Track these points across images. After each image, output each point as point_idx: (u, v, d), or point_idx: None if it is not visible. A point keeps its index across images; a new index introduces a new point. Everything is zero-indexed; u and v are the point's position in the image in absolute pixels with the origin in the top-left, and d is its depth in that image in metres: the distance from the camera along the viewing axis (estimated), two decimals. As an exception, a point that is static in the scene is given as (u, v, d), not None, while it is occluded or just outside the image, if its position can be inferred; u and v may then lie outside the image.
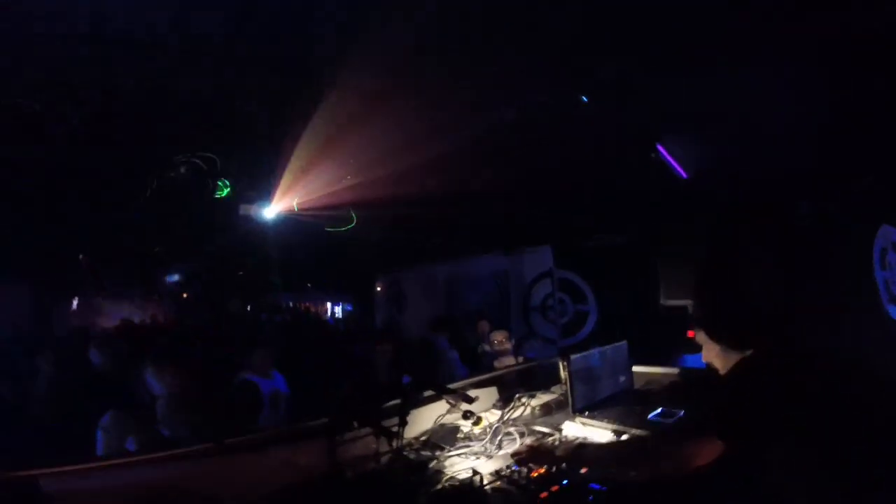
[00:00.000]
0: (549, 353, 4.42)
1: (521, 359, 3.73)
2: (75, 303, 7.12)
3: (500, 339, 3.79)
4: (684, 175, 3.47)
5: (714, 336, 1.24)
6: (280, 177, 3.27)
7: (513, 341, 3.93)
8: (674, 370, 2.50)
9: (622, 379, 2.31)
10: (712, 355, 1.27)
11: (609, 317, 5.28)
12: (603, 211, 4.59)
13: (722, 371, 1.25)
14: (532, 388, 2.42)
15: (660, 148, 3.13)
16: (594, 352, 2.19)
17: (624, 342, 2.39)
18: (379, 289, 9.00)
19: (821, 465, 1.01)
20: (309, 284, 9.71)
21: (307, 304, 10.49)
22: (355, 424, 1.71)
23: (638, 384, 2.44)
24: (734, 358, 1.20)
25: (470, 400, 1.92)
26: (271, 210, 3.63)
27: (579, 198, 4.48)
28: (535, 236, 5.83)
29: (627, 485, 1.29)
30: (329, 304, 10.96)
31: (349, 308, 10.65)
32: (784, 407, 1.04)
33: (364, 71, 2.65)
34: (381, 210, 4.99)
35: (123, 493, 1.28)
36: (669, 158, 3.26)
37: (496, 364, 3.60)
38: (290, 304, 9.89)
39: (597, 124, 3.37)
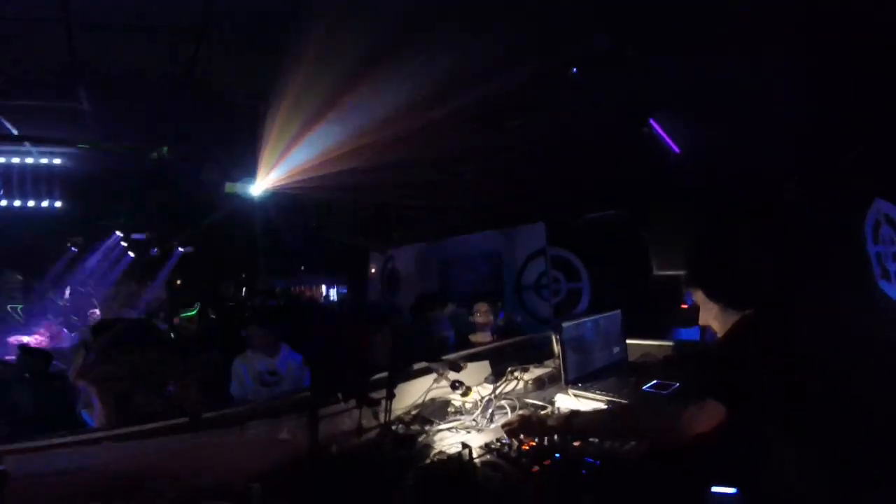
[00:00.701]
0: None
1: (494, 336, 3.68)
2: (68, 292, 6.97)
3: (482, 310, 3.73)
4: (676, 149, 3.39)
5: (711, 293, 1.18)
6: (264, 153, 3.14)
7: (500, 318, 3.88)
8: (668, 343, 2.46)
9: (616, 350, 2.26)
10: (710, 316, 1.21)
11: (602, 294, 5.24)
12: (594, 185, 4.51)
13: (720, 333, 1.19)
14: (525, 362, 2.37)
15: (652, 122, 3.04)
16: (587, 321, 2.13)
17: (618, 311, 2.33)
18: (373, 270, 8.92)
19: (820, 426, 0.96)
20: (302, 267, 9.59)
21: (301, 287, 10.39)
22: (340, 397, 1.64)
23: (633, 357, 2.40)
24: (732, 319, 1.14)
25: (458, 368, 1.86)
26: (257, 187, 3.50)
27: (570, 173, 4.39)
28: (527, 213, 5.74)
29: (622, 458, 1.23)
30: (324, 287, 10.85)
31: (343, 290, 10.56)
32: (785, 366, 0.98)
33: (349, 40, 2.53)
34: (370, 189, 4.89)
35: (101, 469, 1.20)
36: (662, 133, 3.17)
37: (471, 338, 3.56)
38: (286, 288, 9.78)
39: (588, 98, 3.27)
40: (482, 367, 2.37)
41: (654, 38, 2.65)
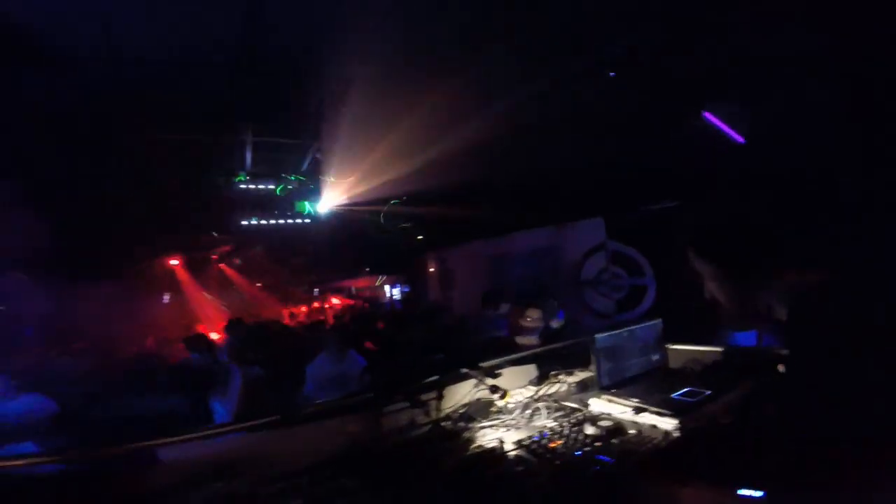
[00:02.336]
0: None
1: (541, 339, 3.83)
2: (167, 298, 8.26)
3: (534, 316, 3.90)
4: (741, 140, 3.38)
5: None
6: (330, 176, 3.67)
7: (552, 321, 4.02)
8: (717, 349, 2.55)
9: (655, 357, 2.42)
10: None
11: (668, 290, 5.21)
12: (654, 179, 4.52)
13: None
14: (571, 365, 2.60)
15: (708, 115, 3.08)
16: (622, 331, 2.32)
17: (658, 321, 2.49)
18: (431, 269, 9.39)
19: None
20: (367, 269, 10.29)
21: (364, 290, 11.14)
22: (397, 398, 2.00)
23: (676, 363, 2.53)
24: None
25: (494, 375, 2.15)
26: (323, 205, 4.09)
27: (629, 167, 4.44)
28: (583, 208, 5.81)
29: (635, 457, 1.47)
30: (387, 287, 11.55)
31: (406, 289, 11.18)
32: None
33: (397, 63, 2.86)
34: (424, 191, 5.24)
35: (203, 460, 1.66)
36: (721, 124, 3.19)
37: (517, 340, 3.76)
38: (352, 290, 10.60)
39: (643, 90, 3.35)
40: (527, 370, 2.63)
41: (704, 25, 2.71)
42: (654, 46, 2.90)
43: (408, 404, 2.01)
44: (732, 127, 3.24)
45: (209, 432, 1.75)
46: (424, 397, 1.99)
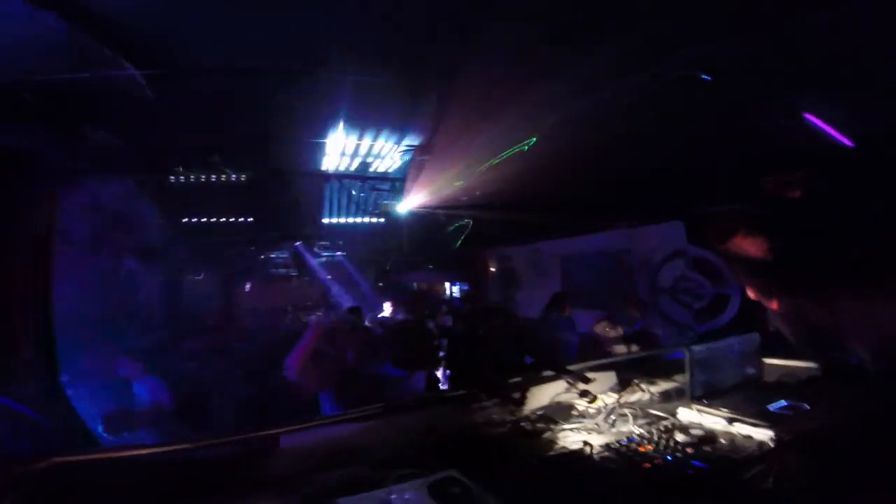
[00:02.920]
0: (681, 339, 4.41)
1: (633, 346, 3.83)
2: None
3: (604, 327, 3.91)
4: (848, 143, 3.20)
5: None
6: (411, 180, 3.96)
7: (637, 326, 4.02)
8: (814, 364, 2.48)
9: (750, 371, 2.40)
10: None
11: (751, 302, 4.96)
12: (741, 183, 4.34)
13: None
14: (653, 374, 2.63)
15: (809, 116, 2.96)
16: (719, 343, 2.33)
17: (755, 334, 2.47)
18: (493, 268, 9.51)
19: None
20: (430, 266, 10.60)
21: (427, 283, 11.46)
22: (483, 396, 2.15)
23: (772, 377, 2.48)
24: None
25: (587, 380, 2.24)
26: (404, 205, 4.44)
27: (713, 168, 4.31)
28: (662, 211, 5.67)
29: (729, 463, 1.52)
30: (447, 284, 11.80)
31: (465, 287, 11.37)
32: None
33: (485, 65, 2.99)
34: (494, 191, 5.35)
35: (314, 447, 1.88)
36: (825, 126, 3.05)
37: (598, 347, 3.77)
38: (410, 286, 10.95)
39: (732, 89, 3.27)
40: (608, 377, 2.69)
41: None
42: (741, 49, 2.84)
43: (492, 402, 2.15)
44: (838, 129, 3.08)
45: (319, 422, 1.99)
46: (509, 395, 2.12)
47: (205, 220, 5.50)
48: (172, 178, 4.23)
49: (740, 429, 1.81)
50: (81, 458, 1.59)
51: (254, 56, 2.74)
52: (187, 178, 4.21)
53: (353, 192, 4.74)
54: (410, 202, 4.39)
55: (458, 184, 4.11)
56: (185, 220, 5.40)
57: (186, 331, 5.56)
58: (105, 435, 3.08)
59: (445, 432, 2.04)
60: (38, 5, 2.29)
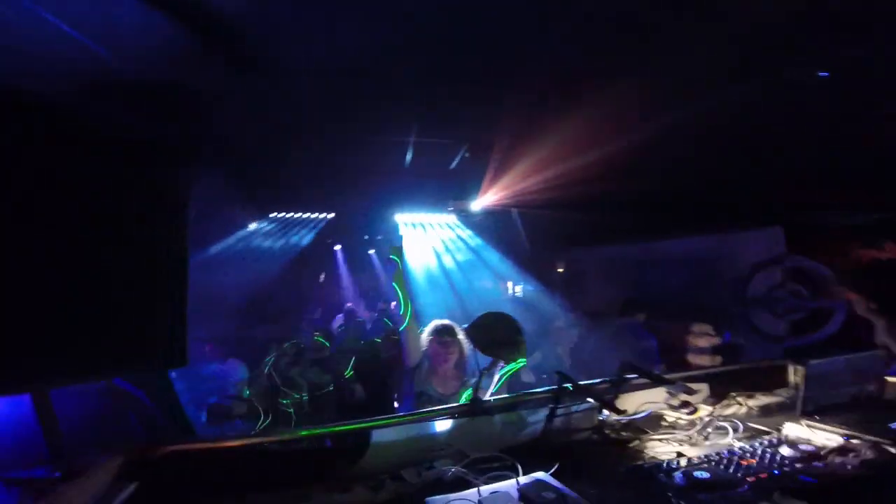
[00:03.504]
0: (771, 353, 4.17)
1: (718, 359, 3.66)
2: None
3: (702, 331, 3.76)
4: None
5: None
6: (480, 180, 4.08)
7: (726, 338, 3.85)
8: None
9: (869, 388, 2.27)
10: None
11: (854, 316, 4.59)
12: (847, 184, 4.04)
13: None
14: (751, 388, 2.53)
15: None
16: (838, 359, 2.23)
17: (877, 351, 2.35)
18: (560, 270, 9.37)
19: None
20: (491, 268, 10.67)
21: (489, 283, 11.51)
22: (567, 401, 2.17)
23: (893, 395, 2.33)
24: None
25: (691, 391, 2.21)
26: (476, 204, 4.53)
27: (816, 168, 4.03)
28: (757, 215, 5.36)
29: (841, 479, 1.46)
30: (510, 285, 11.77)
31: (530, 289, 11.28)
32: None
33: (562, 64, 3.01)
34: (567, 189, 5.31)
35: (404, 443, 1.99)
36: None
37: (689, 359, 3.65)
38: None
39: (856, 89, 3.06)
40: (700, 389, 2.61)
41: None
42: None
43: (578, 407, 2.17)
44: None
45: (416, 416, 2.12)
46: (593, 403, 2.13)
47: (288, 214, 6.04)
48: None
49: (857, 446, 1.73)
50: (195, 446, 1.79)
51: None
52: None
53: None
54: (482, 201, 4.47)
55: (531, 181, 4.15)
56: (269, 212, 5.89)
57: (262, 318, 6.02)
58: (207, 424, 3.43)
59: (533, 434, 2.10)
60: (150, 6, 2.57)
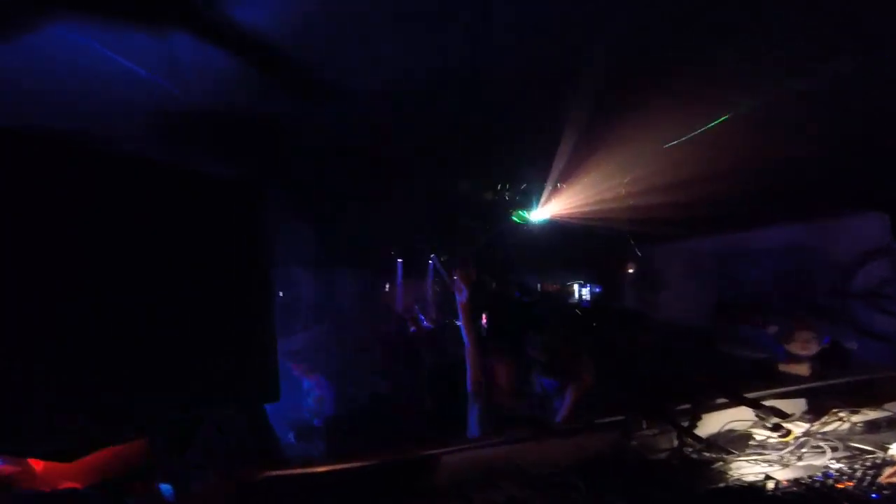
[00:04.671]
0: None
1: (818, 369, 3.51)
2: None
3: (804, 339, 3.62)
4: None
5: None
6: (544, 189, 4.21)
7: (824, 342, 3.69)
8: None
9: None
10: None
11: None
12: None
13: None
14: (856, 401, 2.47)
15: None
16: None
17: None
18: (629, 269, 9.18)
19: None
20: (558, 266, 10.60)
21: (552, 284, 11.43)
22: (644, 424, 2.22)
23: None
24: None
25: (784, 416, 2.20)
26: (537, 214, 4.70)
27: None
28: (858, 200, 5.05)
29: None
30: (576, 286, 11.64)
31: (597, 289, 11.12)
32: None
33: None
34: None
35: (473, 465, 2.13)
36: None
37: (782, 368, 3.53)
38: (532, 287, 11.03)
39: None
40: (795, 404, 2.56)
41: None
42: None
43: (655, 428, 2.23)
44: None
45: (477, 442, 2.26)
46: (673, 422, 2.18)
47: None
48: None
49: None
50: (292, 472, 1.93)
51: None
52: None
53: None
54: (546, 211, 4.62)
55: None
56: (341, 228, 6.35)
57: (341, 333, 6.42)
58: (295, 443, 3.76)
59: (605, 456, 2.18)
60: (207, 41, 2.88)
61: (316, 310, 6.60)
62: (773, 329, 4.14)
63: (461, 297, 2.99)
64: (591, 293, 11.80)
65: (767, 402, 2.33)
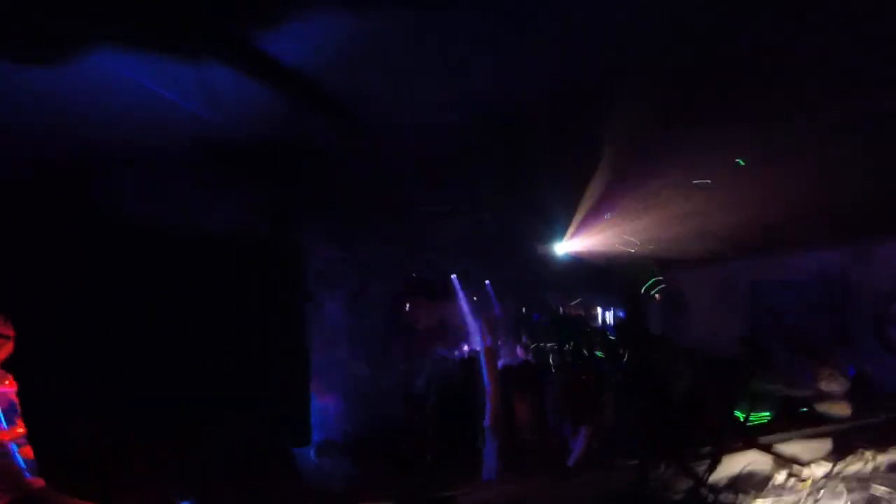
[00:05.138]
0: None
1: (848, 407, 3.42)
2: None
3: (826, 375, 3.53)
4: None
5: None
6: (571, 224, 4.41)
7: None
8: None
9: None
10: None
11: None
12: None
13: None
14: (883, 442, 2.43)
15: None
16: None
17: None
18: (657, 295, 9.04)
19: None
20: (580, 288, 10.54)
21: (574, 308, 11.34)
22: (661, 465, 2.25)
23: None
24: None
25: (801, 463, 2.22)
26: (562, 247, 4.92)
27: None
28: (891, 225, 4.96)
29: None
30: (599, 309, 11.51)
31: (621, 314, 10.97)
32: None
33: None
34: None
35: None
36: None
37: (819, 407, 3.46)
38: (555, 308, 10.95)
39: None
40: (820, 445, 2.53)
41: None
42: None
43: (673, 468, 2.25)
44: None
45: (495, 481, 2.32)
46: (691, 462, 2.21)
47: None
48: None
49: None
50: None
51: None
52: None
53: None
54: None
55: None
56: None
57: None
58: (316, 460, 3.87)
59: (622, 496, 2.21)
60: (246, 75, 3.08)
61: (339, 331, 6.77)
62: (802, 364, 4.07)
63: (486, 342, 3.06)
64: (616, 322, 11.62)
65: (792, 444, 2.34)
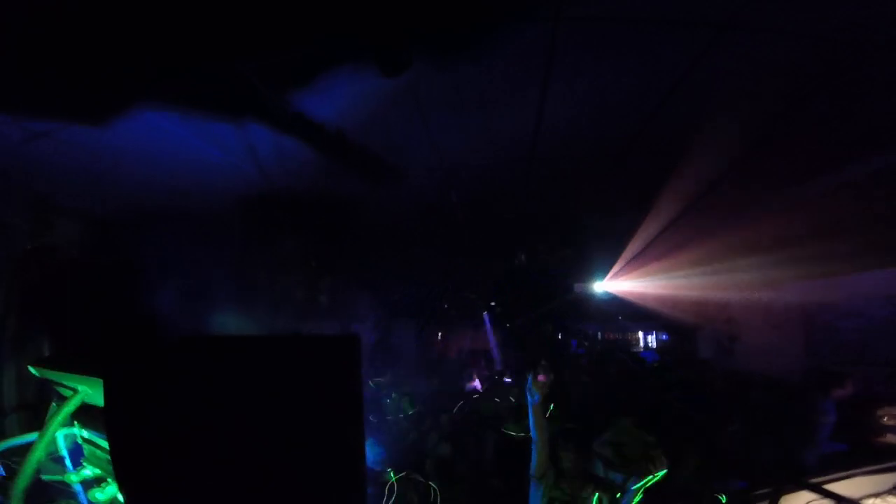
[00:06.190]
0: None
1: None
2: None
3: (890, 415, 3.56)
4: None
5: None
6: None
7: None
8: None
9: None
10: None
11: None
12: None
13: None
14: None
15: None
16: None
17: None
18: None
19: None
20: (619, 317, 10.60)
21: (614, 334, 11.37)
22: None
23: None
24: None
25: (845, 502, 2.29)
26: (600, 286, 5.25)
27: None
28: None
29: None
30: (640, 334, 11.51)
31: (664, 337, 10.95)
32: None
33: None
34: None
35: None
36: None
37: (879, 440, 3.48)
38: (594, 335, 11.01)
39: None
40: (884, 480, 2.58)
41: None
42: None
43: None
44: None
45: None
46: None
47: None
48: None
49: None
50: None
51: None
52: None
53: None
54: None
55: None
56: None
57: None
58: None
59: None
60: (281, 131, 3.37)
61: (379, 368, 7.03)
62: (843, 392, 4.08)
63: (534, 399, 3.12)
64: (659, 341, 11.59)
65: (853, 480, 2.40)
